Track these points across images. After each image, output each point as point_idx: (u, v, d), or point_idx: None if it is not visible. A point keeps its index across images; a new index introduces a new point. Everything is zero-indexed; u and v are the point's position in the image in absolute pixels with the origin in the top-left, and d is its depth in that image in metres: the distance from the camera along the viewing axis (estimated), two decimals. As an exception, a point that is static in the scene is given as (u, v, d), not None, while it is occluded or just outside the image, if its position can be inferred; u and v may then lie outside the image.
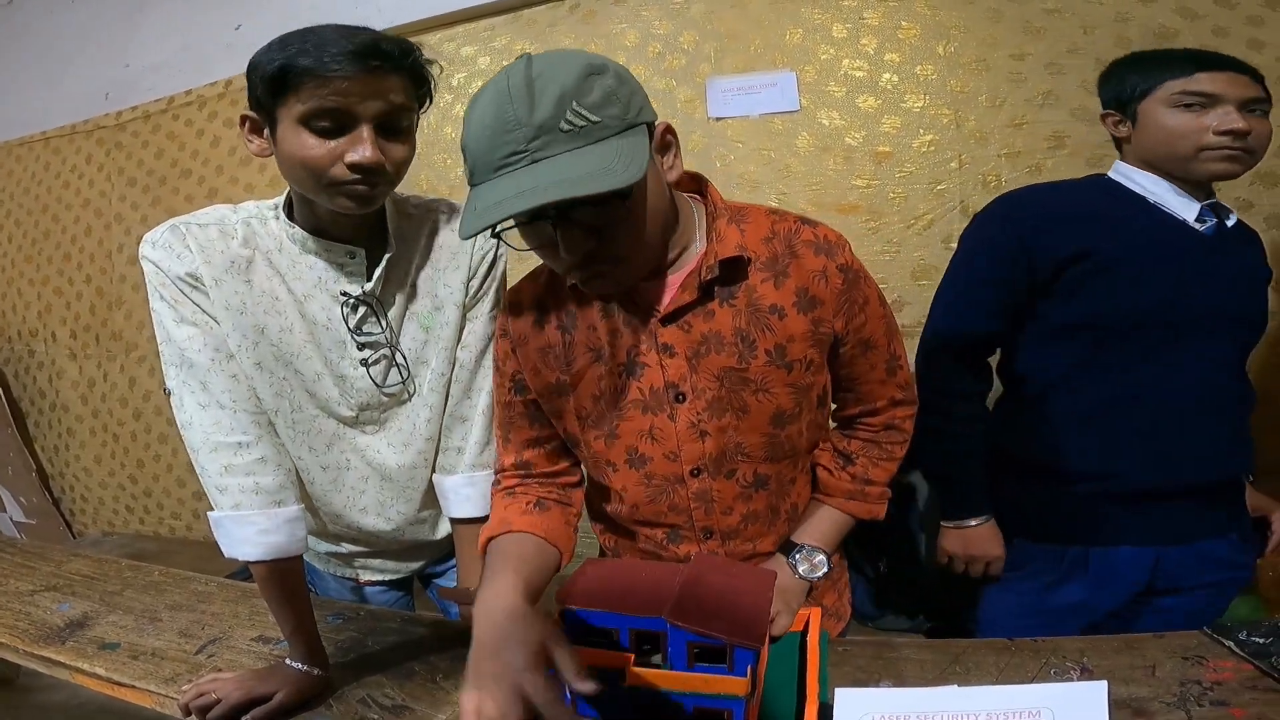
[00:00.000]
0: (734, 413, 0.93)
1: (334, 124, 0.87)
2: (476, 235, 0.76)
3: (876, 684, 0.89)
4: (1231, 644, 0.90)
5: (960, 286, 1.29)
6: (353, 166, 0.88)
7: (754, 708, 0.76)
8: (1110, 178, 1.27)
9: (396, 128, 0.91)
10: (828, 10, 2.05)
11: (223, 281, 0.95)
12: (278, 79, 0.85)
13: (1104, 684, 0.73)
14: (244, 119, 0.94)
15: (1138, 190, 1.23)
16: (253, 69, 0.88)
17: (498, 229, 0.80)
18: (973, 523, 1.26)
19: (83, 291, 3.12)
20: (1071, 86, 1.87)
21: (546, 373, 0.96)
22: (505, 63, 0.79)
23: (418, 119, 0.96)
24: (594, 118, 0.74)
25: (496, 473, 1.04)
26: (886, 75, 1.99)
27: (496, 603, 0.74)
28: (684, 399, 0.92)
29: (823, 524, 1.03)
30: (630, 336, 0.92)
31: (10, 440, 3.31)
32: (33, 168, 3.24)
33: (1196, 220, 1.20)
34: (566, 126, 0.73)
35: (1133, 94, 1.22)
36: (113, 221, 2.98)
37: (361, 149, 0.87)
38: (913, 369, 1.08)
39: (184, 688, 0.95)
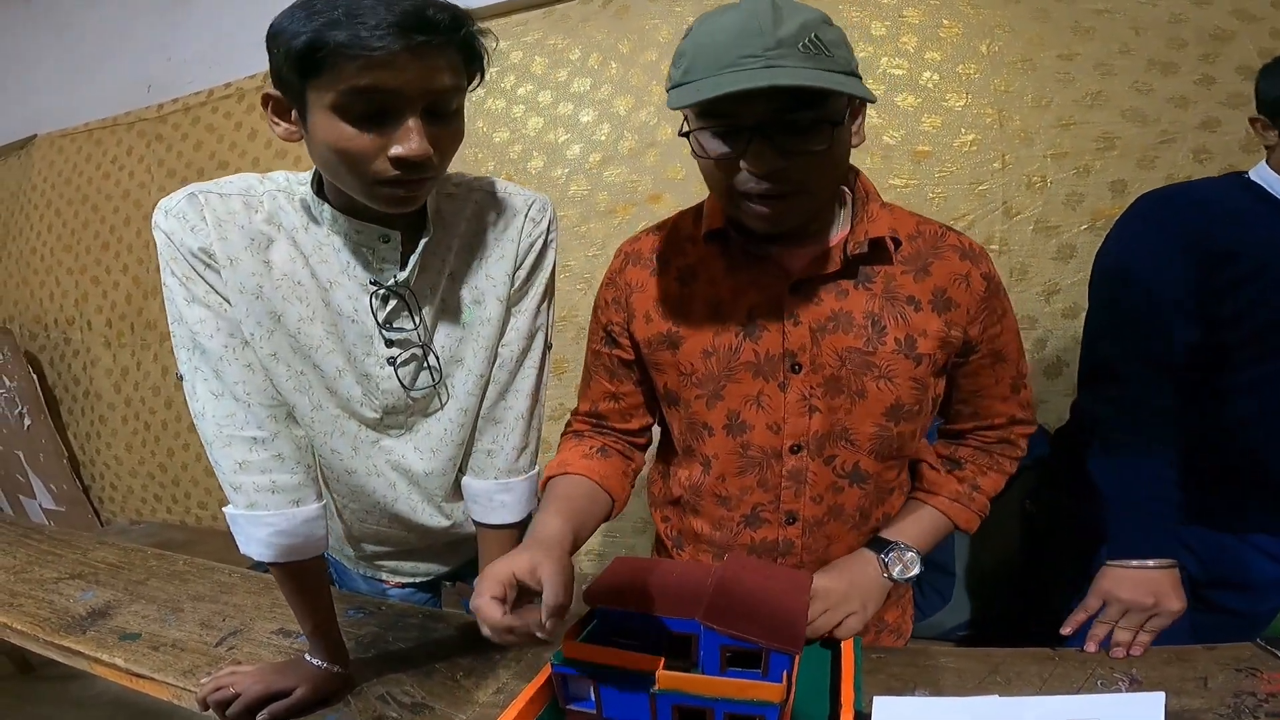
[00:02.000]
0: (850, 395, 0.90)
1: (375, 110, 0.74)
2: (690, 106, 0.78)
3: (912, 692, 0.86)
4: None
5: (1140, 297, 1.13)
6: (398, 161, 0.76)
7: (787, 715, 0.72)
8: (1250, 179, 1.19)
9: (445, 111, 0.79)
10: (866, 8, 2.01)
11: (239, 260, 0.84)
12: (305, 56, 0.72)
13: (1161, 695, 0.69)
14: (266, 98, 0.81)
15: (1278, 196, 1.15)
16: (274, 39, 0.74)
17: (694, 130, 0.81)
18: (1153, 564, 1.00)
19: (119, 281, 3.16)
20: (1122, 87, 1.82)
21: (658, 321, 0.95)
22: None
23: (465, 97, 0.84)
24: (828, 50, 0.75)
25: (571, 415, 1.05)
26: (927, 74, 1.95)
27: (536, 535, 0.81)
28: (800, 369, 0.90)
29: (921, 523, 0.99)
30: (755, 296, 0.90)
31: (43, 427, 3.36)
32: (74, 159, 3.30)
33: None
34: (804, 48, 0.74)
35: None
36: (152, 212, 2.99)
37: (408, 142, 0.75)
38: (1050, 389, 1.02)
39: (202, 681, 0.93)
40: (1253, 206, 1.15)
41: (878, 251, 0.89)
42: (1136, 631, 0.94)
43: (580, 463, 0.98)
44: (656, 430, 1.10)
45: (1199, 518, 1.16)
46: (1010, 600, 1.69)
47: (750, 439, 0.94)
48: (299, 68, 0.73)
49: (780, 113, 0.76)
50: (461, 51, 0.78)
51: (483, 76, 0.84)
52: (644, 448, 1.06)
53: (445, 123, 0.80)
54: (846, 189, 0.93)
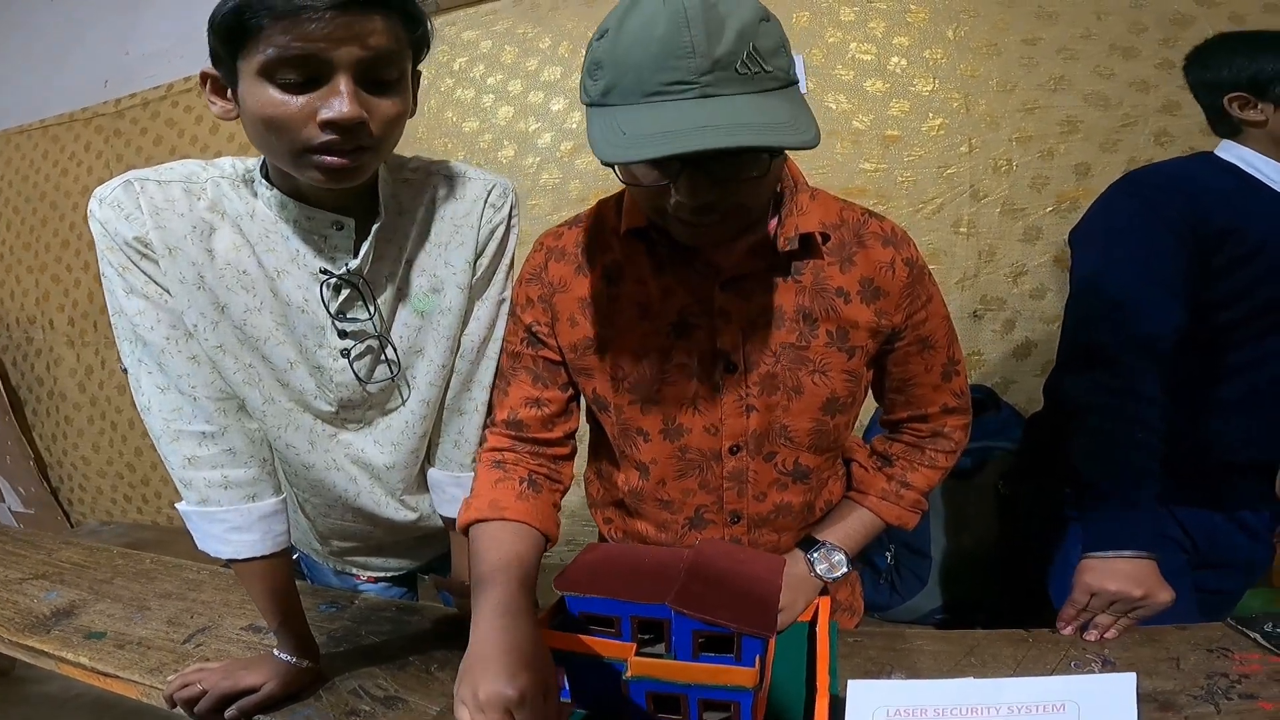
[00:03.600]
0: (786, 391, 0.88)
1: (303, 75, 0.70)
2: (620, 164, 0.69)
3: (888, 676, 0.87)
4: (1257, 636, 0.88)
5: (1134, 282, 1.11)
6: (326, 125, 0.71)
7: (761, 700, 0.73)
8: (1223, 159, 1.20)
9: (383, 80, 0.75)
10: (837, -7, 2.01)
11: (178, 250, 0.80)
12: (234, 25, 0.69)
13: (1132, 676, 0.70)
14: (204, 77, 0.77)
15: (1257, 176, 1.16)
16: (210, 18, 0.72)
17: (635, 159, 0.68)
18: (1129, 554, 0.98)
19: (81, 279, 3.10)
20: (1084, 72, 1.84)
21: (584, 325, 0.89)
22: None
23: (415, 75, 0.81)
24: (767, 66, 0.67)
25: (484, 428, 0.96)
26: (895, 59, 1.96)
27: (498, 625, 0.70)
28: (734, 369, 0.87)
29: (849, 523, 0.98)
30: (684, 296, 0.86)
31: (8, 429, 3.29)
32: (31, 156, 3.22)
33: None
34: (742, 70, 0.66)
35: (1274, 75, 1.14)
36: None
37: (337, 103, 0.71)
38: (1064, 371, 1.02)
39: (169, 678, 0.92)
40: (1238, 186, 1.14)
41: (806, 244, 0.85)
42: (1119, 618, 0.94)
43: (515, 505, 0.87)
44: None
45: (1191, 499, 1.16)
46: (987, 583, 1.71)
47: (688, 442, 0.91)
48: (228, 36, 0.71)
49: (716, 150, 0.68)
50: (399, 15, 0.75)
51: (427, 48, 0.81)
52: (569, 458, 0.98)
53: (384, 91, 0.76)
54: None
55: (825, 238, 0.85)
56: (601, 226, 0.91)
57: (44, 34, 3.18)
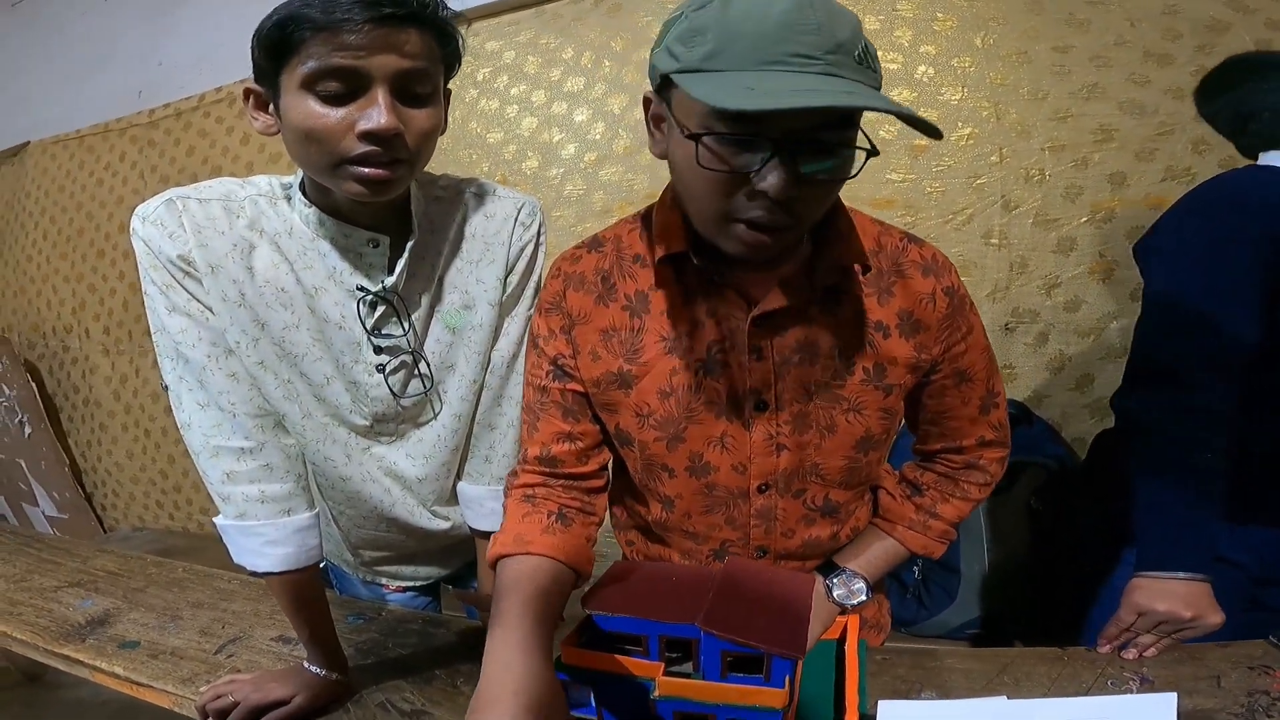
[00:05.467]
0: (819, 430, 0.85)
1: (343, 87, 0.73)
2: (752, 112, 0.62)
3: (918, 695, 0.85)
4: None
5: (1213, 298, 1.06)
6: (365, 136, 0.74)
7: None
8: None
9: (418, 93, 0.78)
10: (859, 2, 2.00)
11: (220, 268, 0.82)
12: (278, 38, 0.72)
13: (1173, 696, 0.68)
14: (247, 93, 0.81)
15: None
16: (254, 34, 0.75)
17: (705, 134, 0.66)
18: (1184, 576, 0.95)
19: (116, 288, 3.15)
20: (1119, 79, 1.81)
21: (608, 359, 0.85)
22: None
23: (448, 92, 0.84)
24: (874, 66, 0.67)
25: (517, 464, 0.92)
26: (922, 67, 1.94)
27: (511, 664, 0.67)
28: (765, 408, 0.84)
29: (872, 551, 0.96)
30: (714, 330, 0.82)
31: (44, 435, 3.36)
32: (67, 165, 3.29)
33: None
34: (859, 60, 0.65)
35: None
36: None
37: (375, 114, 0.74)
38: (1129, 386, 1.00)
39: (201, 689, 0.93)
40: None
41: (845, 277, 0.82)
42: (1161, 639, 0.91)
43: (540, 540, 0.81)
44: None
45: (1257, 516, 1.12)
46: (1018, 598, 1.68)
47: (715, 480, 0.88)
48: (272, 51, 0.74)
49: (813, 130, 0.65)
50: (433, 32, 0.77)
51: (458, 64, 0.83)
52: (603, 491, 0.94)
53: (418, 104, 0.78)
54: None
55: (865, 269, 0.81)
56: (622, 253, 0.87)
57: (78, 45, 3.25)
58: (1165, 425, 1.03)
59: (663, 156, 0.77)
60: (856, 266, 0.80)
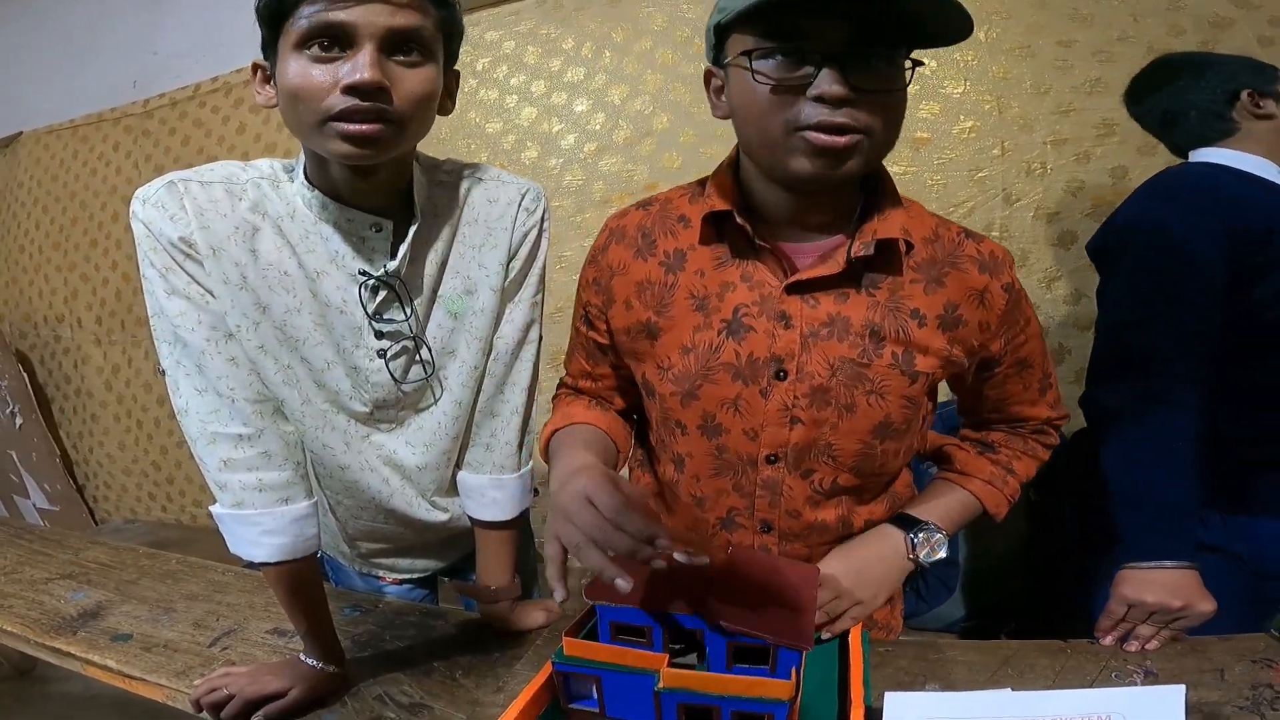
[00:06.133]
0: (838, 408, 0.84)
1: (332, 44, 0.73)
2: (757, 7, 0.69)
3: (921, 687, 0.85)
4: None
5: (1178, 292, 1.09)
6: (348, 89, 0.72)
7: (795, 712, 0.71)
8: (1221, 163, 1.20)
9: (409, 51, 0.76)
10: (864, -7, 1.99)
11: (222, 251, 0.81)
12: (274, 3, 0.73)
13: (1181, 688, 0.68)
14: (255, 67, 0.82)
15: (1258, 173, 1.17)
16: (254, 5, 0.76)
17: (751, 52, 0.72)
18: (1177, 565, 0.95)
19: (109, 278, 3.13)
20: (1121, 74, 1.77)
21: (639, 309, 0.89)
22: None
23: (454, 74, 0.84)
24: None
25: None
26: (925, 60, 1.93)
27: (581, 469, 0.72)
28: (785, 377, 0.83)
29: (949, 504, 0.94)
30: (745, 294, 0.83)
31: (35, 426, 3.33)
32: (61, 155, 3.26)
33: None
34: None
35: (1271, 75, 1.19)
36: None
37: (358, 67, 0.72)
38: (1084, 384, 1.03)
39: (196, 682, 0.91)
40: (1250, 191, 1.14)
41: (887, 255, 0.81)
42: (1160, 629, 0.91)
43: (584, 414, 0.96)
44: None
45: (1239, 507, 1.14)
46: (1017, 591, 1.68)
47: (725, 443, 0.88)
48: (269, 18, 0.75)
49: (854, 44, 0.69)
50: None
51: (460, 34, 0.83)
52: (632, 424, 1.01)
53: (408, 64, 0.77)
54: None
55: (909, 246, 0.81)
56: (669, 213, 0.90)
57: (72, 34, 3.22)
58: (1134, 416, 1.04)
59: (725, 117, 0.80)
60: (901, 245, 0.80)
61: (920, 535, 0.90)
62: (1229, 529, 1.15)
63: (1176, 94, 1.27)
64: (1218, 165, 1.19)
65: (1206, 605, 0.92)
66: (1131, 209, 1.19)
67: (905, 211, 0.82)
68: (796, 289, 0.82)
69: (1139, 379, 1.06)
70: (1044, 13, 1.87)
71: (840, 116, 0.70)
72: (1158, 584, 0.93)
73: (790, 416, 0.85)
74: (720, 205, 0.82)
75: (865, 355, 0.82)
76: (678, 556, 0.64)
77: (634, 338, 0.90)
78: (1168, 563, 0.94)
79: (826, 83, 0.69)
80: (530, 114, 2.32)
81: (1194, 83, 1.25)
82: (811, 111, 0.71)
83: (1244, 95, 1.19)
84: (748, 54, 0.72)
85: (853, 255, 0.79)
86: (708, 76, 0.83)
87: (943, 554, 0.91)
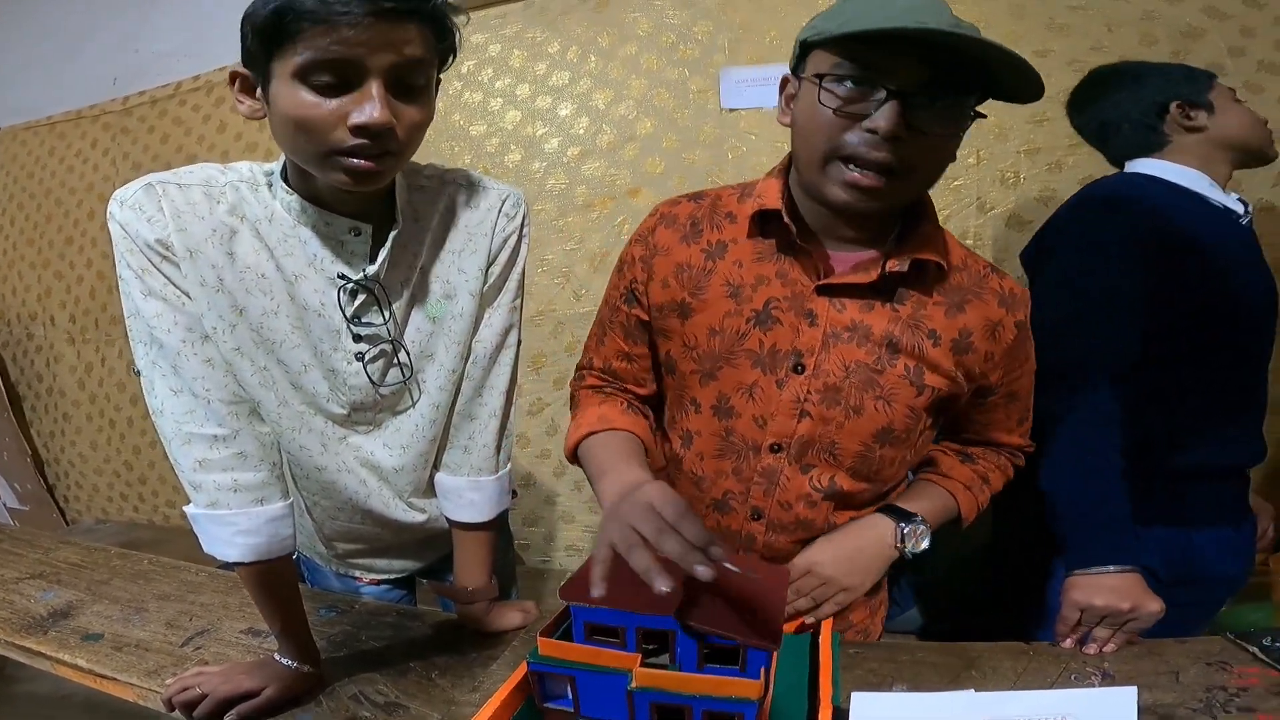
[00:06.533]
0: (846, 409, 0.89)
1: (338, 78, 0.73)
2: (856, 35, 0.74)
3: (890, 688, 0.86)
4: (1255, 650, 0.88)
5: (1100, 299, 1.12)
6: (357, 129, 0.74)
7: (765, 711, 0.72)
8: (1150, 174, 1.24)
9: (411, 86, 0.77)
10: (845, 2, 2.01)
11: (199, 253, 0.81)
12: (273, 25, 0.71)
13: (1133, 690, 0.69)
14: (234, 76, 0.80)
15: (1187, 185, 1.21)
16: (246, 18, 0.74)
17: (827, 73, 0.78)
18: (1120, 570, 0.99)
19: (84, 275, 3.09)
20: (1094, 85, 1.83)
21: (674, 288, 0.94)
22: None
23: (438, 80, 0.83)
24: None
25: (579, 369, 1.01)
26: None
27: (644, 482, 0.75)
28: (802, 371, 0.89)
29: (934, 502, 0.98)
30: (777, 288, 0.89)
31: (6, 425, 3.28)
32: (37, 152, 3.22)
33: (1242, 212, 1.21)
34: (970, 31, 0.74)
35: (1199, 86, 1.23)
36: None
37: (369, 108, 0.73)
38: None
39: (168, 681, 0.91)
40: (1178, 202, 1.17)
41: (919, 275, 0.87)
42: (1115, 631, 0.94)
43: (623, 419, 0.97)
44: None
45: (1159, 517, 1.16)
46: (985, 592, 1.69)
47: (734, 425, 0.93)
48: (265, 38, 0.73)
49: (925, 86, 0.75)
50: (431, 25, 0.77)
51: (454, 57, 0.83)
52: (654, 412, 1.05)
53: (411, 98, 0.78)
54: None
55: (941, 270, 0.87)
56: (717, 207, 0.95)
57: (53, 31, 3.18)
58: (1063, 424, 1.07)
59: (787, 125, 0.87)
60: (934, 268, 0.86)
61: (908, 526, 0.94)
62: (1140, 542, 1.18)
63: (1112, 106, 1.31)
64: (1146, 176, 1.23)
65: (1154, 605, 0.95)
66: (1059, 219, 1.22)
67: (942, 237, 0.89)
68: (827, 291, 0.88)
69: (1064, 392, 1.09)
70: (1022, 23, 1.90)
71: (882, 151, 0.76)
72: (1105, 588, 0.96)
73: (800, 409, 0.90)
74: (771, 204, 0.88)
75: (880, 363, 0.88)
76: (728, 565, 0.66)
77: (665, 315, 0.95)
78: (1111, 567, 0.98)
79: (884, 117, 0.75)
80: (514, 117, 2.32)
81: (1127, 95, 1.29)
82: (858, 140, 0.77)
83: (1173, 108, 1.23)
84: (821, 75, 0.78)
85: (887, 270, 0.85)
86: (783, 83, 0.88)
87: (926, 545, 0.94)
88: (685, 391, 0.96)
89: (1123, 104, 1.29)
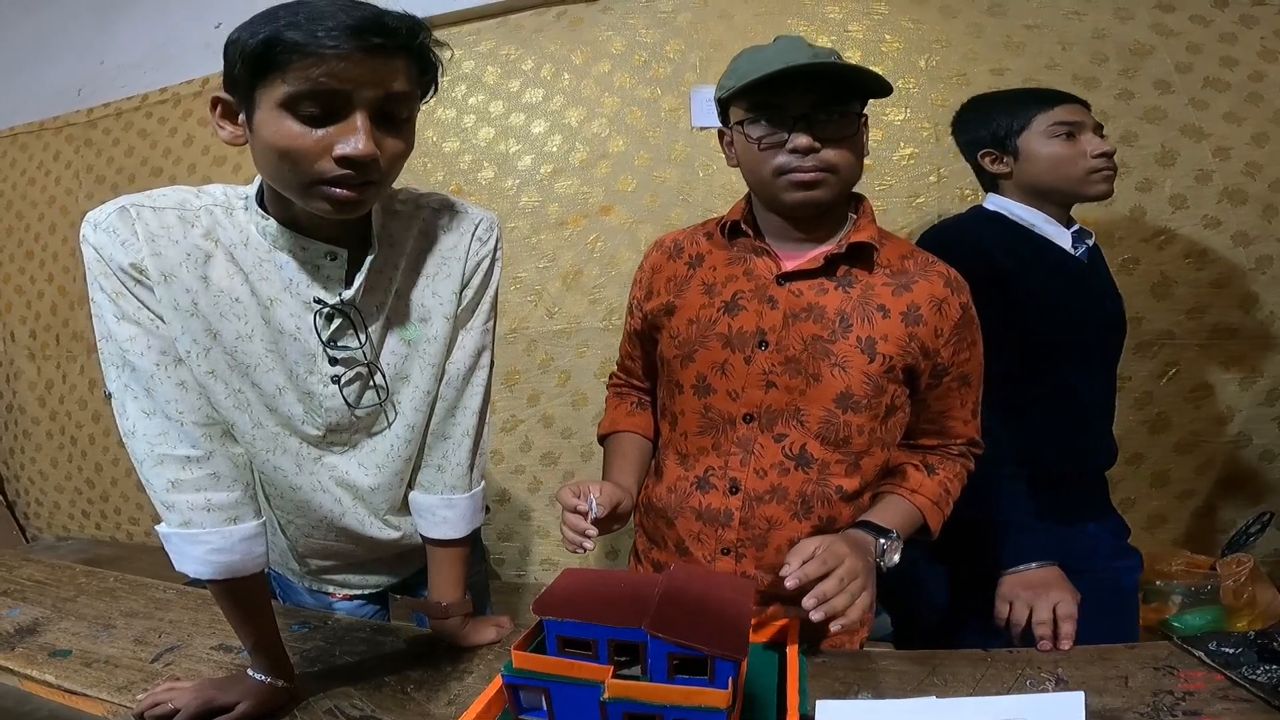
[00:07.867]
0: (806, 377, 1.01)
1: (323, 110, 0.74)
2: (747, 91, 0.97)
3: (855, 695, 0.89)
4: (1202, 654, 0.92)
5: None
6: (342, 160, 0.75)
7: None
8: (989, 210, 1.36)
9: (394, 118, 0.78)
10: (813, 23, 2.07)
11: (173, 277, 0.81)
12: (261, 55, 0.72)
13: (1080, 695, 0.73)
14: (215, 101, 0.80)
15: (1019, 221, 1.32)
16: (232, 44, 0.75)
17: (743, 121, 1.00)
18: (1041, 565, 1.13)
19: (44, 290, 3.04)
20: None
21: (663, 295, 1.12)
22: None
23: (418, 110, 0.84)
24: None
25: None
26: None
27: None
28: (766, 346, 1.02)
29: (905, 519, 1.04)
30: (743, 283, 1.05)
31: (-36, 442, 3.20)
32: (-2, 164, 3.16)
33: (1071, 247, 1.32)
34: (833, 56, 0.98)
35: (1009, 130, 1.32)
36: (79, 220, 2.81)
37: (354, 140, 0.74)
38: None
39: (139, 697, 0.91)
40: (1003, 236, 1.29)
41: (863, 260, 1.02)
42: (1052, 617, 1.03)
43: (625, 420, 1.22)
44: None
45: (1048, 516, 1.23)
46: (939, 599, 1.73)
47: (712, 401, 1.06)
48: (253, 67, 0.73)
49: (818, 106, 0.95)
50: (416, 60, 0.79)
51: (435, 89, 0.85)
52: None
53: (394, 130, 0.79)
54: (851, 213, 1.07)
55: (876, 249, 1.01)
56: (698, 232, 1.16)
57: (17, 41, 3.13)
58: (986, 452, 1.16)
59: (735, 165, 1.07)
60: (876, 247, 1.01)
61: (884, 541, 0.99)
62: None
63: (964, 144, 1.44)
64: (989, 213, 1.35)
65: (1068, 590, 1.08)
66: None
67: (879, 230, 1.05)
68: (786, 279, 1.03)
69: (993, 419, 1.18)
70: (980, 41, 1.96)
71: (810, 162, 0.96)
72: (1029, 581, 1.11)
73: (767, 381, 1.02)
74: (735, 217, 1.08)
75: (833, 335, 1.00)
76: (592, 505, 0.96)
77: (656, 316, 1.13)
78: (1033, 564, 1.13)
79: (797, 138, 0.96)
80: (488, 134, 2.34)
81: (967, 137, 1.41)
82: (789, 160, 0.97)
83: (980, 158, 1.37)
84: (741, 122, 1.01)
85: (830, 253, 1.01)
86: (720, 135, 1.09)
87: (897, 559, 0.99)
88: (671, 376, 1.11)
89: (964, 145, 1.43)
